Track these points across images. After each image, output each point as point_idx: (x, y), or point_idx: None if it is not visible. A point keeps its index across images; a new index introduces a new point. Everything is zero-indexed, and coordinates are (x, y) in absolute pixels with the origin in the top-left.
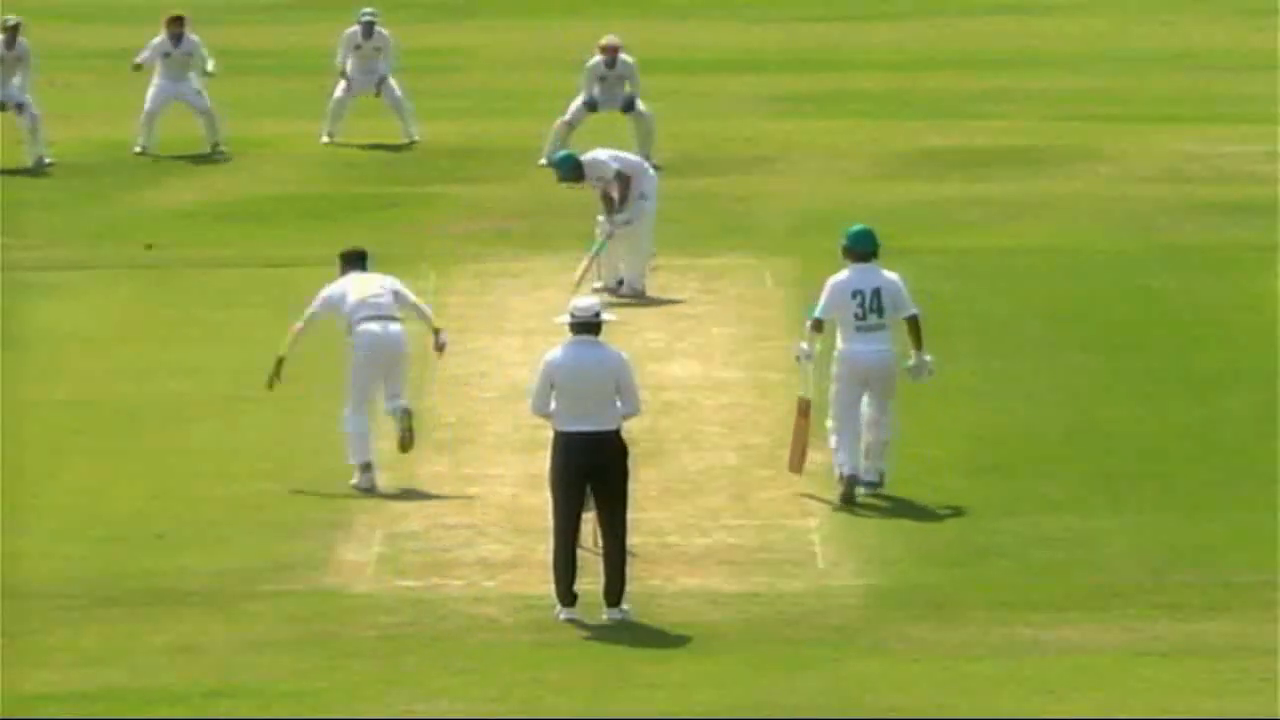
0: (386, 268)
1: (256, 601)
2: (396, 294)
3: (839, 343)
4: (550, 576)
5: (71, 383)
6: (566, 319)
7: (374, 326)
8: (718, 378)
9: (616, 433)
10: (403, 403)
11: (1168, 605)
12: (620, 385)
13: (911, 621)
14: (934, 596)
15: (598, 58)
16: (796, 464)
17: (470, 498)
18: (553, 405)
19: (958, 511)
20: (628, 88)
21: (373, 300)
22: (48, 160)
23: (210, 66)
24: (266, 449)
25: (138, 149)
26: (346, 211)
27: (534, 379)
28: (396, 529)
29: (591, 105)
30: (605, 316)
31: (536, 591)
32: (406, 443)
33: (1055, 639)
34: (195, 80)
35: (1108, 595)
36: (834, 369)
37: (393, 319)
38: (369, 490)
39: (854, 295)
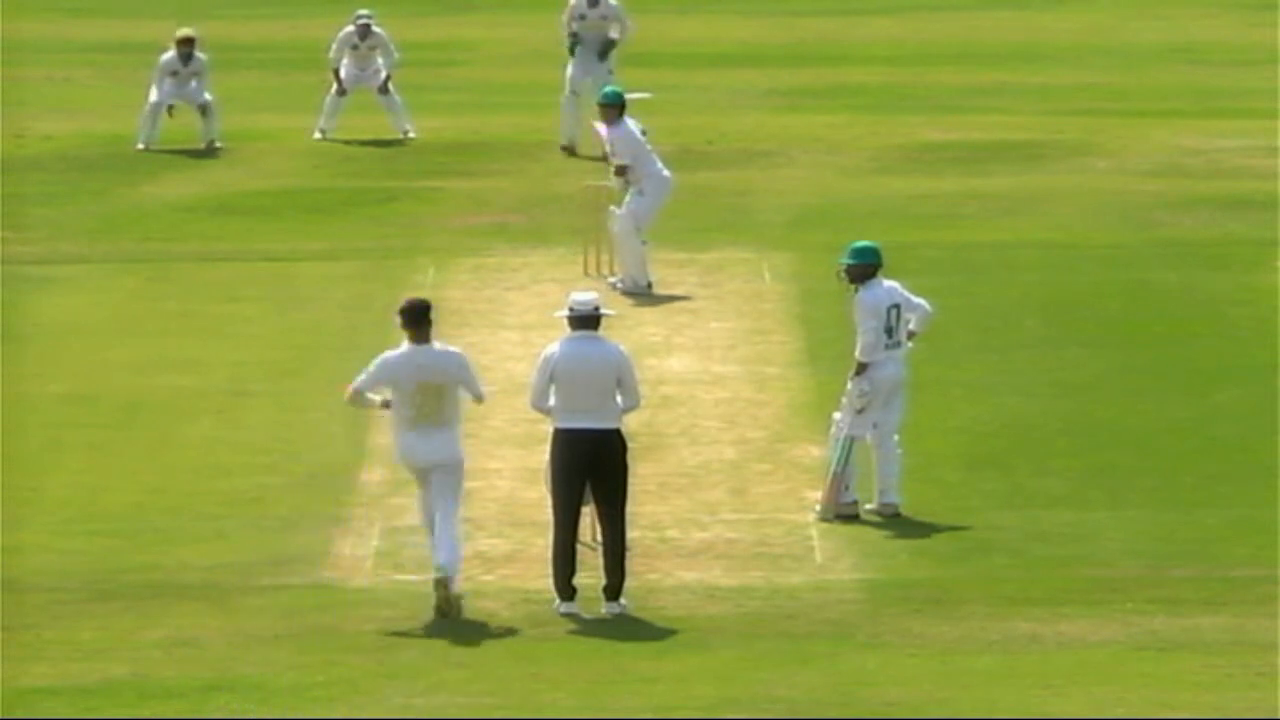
0: (385, 261)
1: (254, 596)
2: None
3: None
4: (549, 570)
5: (70, 376)
6: (565, 313)
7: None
8: (716, 372)
9: (617, 431)
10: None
11: (1166, 600)
12: (621, 380)
13: (909, 616)
14: (932, 591)
15: None
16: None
17: (468, 492)
18: (551, 400)
19: (955, 506)
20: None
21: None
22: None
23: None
24: (265, 443)
25: (140, 145)
26: (345, 206)
27: (533, 374)
28: (395, 523)
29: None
30: (604, 311)
31: (535, 586)
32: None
33: (1053, 633)
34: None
35: (1106, 590)
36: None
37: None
38: None
39: (887, 311)
